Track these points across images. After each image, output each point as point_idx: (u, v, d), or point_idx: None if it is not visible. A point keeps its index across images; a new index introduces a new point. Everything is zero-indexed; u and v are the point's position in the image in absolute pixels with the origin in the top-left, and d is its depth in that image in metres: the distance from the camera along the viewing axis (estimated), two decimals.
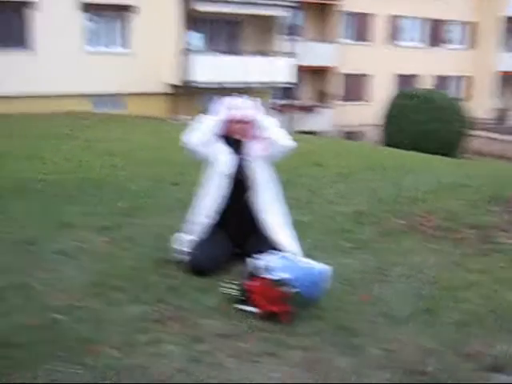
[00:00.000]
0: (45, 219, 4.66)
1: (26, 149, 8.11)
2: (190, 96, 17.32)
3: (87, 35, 16.61)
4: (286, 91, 20.77)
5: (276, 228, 3.80)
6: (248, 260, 3.36)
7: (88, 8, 16.30)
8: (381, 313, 3.26)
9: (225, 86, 16.28)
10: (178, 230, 3.95)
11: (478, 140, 21.62)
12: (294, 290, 3.06)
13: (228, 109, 3.79)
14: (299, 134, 12.54)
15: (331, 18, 23.62)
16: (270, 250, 3.44)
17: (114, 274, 3.56)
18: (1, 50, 14.97)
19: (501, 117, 27.52)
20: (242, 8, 17.90)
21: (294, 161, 5.55)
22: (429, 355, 2.82)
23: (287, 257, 3.38)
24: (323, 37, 23.41)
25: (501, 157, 20.95)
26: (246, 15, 18.44)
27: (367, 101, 24.91)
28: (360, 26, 24.66)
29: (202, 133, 3.75)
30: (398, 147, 13.40)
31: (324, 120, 22.92)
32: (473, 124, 19.60)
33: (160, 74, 17.30)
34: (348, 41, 24.20)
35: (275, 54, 18.90)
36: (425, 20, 26.07)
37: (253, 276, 3.21)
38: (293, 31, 20.28)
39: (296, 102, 21.94)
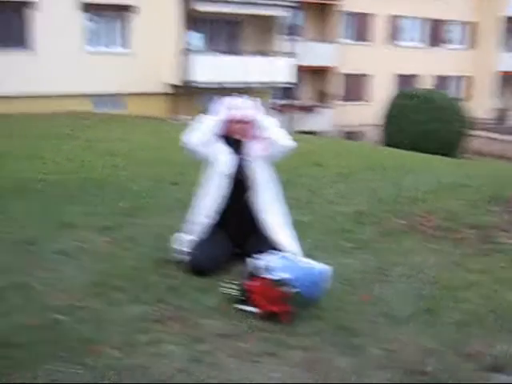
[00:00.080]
0: (45, 219, 4.66)
1: (26, 149, 8.11)
2: (190, 96, 17.32)
3: (87, 35, 16.62)
4: (286, 91, 20.76)
5: (276, 228, 3.80)
6: (248, 260, 3.36)
7: (88, 8, 16.31)
8: (381, 313, 3.26)
9: (225, 85, 16.27)
10: (178, 230, 3.95)
11: (478, 140, 21.61)
12: (294, 290, 3.06)
13: (228, 109, 3.79)
14: (299, 134, 12.54)
15: (331, 18, 23.62)
16: (270, 250, 3.44)
17: (114, 273, 3.56)
18: (1, 50, 14.98)
19: (501, 117, 27.51)
20: (241, 8, 17.91)
21: (293, 161, 5.55)
22: (429, 355, 2.82)
23: (287, 257, 3.38)
24: (323, 37, 23.41)
25: (501, 157, 20.95)
26: (246, 15, 18.44)
27: (367, 101, 24.90)
28: (360, 26, 24.65)
29: (201, 133, 3.76)
30: (398, 147, 13.41)
31: (324, 120, 22.91)
32: (473, 124, 19.59)
33: (160, 73, 17.30)
34: (348, 41, 24.20)
35: (275, 54, 18.90)
36: (425, 20, 26.07)
37: (253, 276, 3.21)
38: (293, 31, 20.27)
39: (296, 102, 21.93)
